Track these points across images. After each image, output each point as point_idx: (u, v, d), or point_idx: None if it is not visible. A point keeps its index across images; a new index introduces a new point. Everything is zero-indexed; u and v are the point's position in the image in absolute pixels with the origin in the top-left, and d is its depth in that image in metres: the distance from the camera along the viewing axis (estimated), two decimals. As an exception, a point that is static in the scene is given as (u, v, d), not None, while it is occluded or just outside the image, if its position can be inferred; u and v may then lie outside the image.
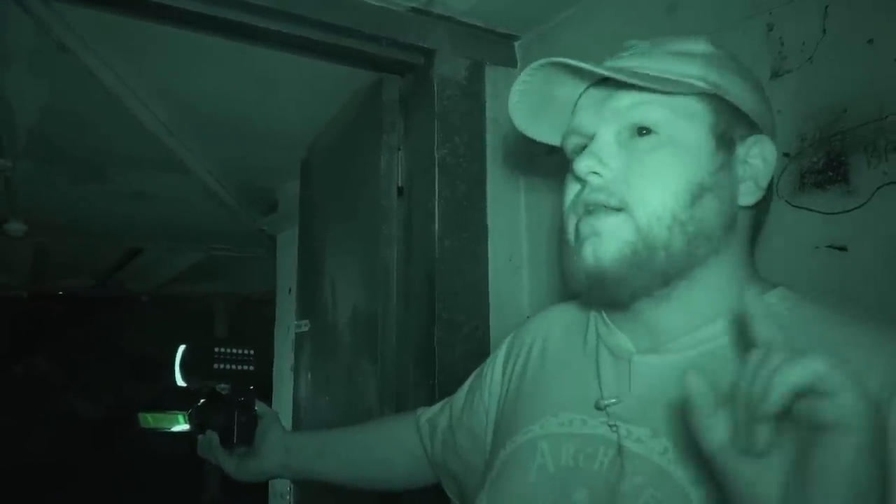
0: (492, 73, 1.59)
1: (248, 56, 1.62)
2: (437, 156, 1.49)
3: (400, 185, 1.61)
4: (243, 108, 2.06)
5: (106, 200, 3.09)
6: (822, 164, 0.99)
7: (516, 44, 1.62)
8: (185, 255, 4.59)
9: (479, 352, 1.47)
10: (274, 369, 2.94)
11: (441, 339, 1.43)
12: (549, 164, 1.52)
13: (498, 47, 1.60)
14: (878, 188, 0.93)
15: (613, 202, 0.68)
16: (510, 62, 1.61)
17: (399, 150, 1.62)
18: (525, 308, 1.54)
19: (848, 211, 0.96)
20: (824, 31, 1.00)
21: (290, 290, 2.81)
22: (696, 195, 0.67)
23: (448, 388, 1.34)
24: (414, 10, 1.47)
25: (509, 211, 1.56)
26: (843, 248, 0.96)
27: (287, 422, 2.38)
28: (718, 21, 1.13)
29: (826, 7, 1.00)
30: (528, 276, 1.56)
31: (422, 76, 1.56)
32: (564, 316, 0.88)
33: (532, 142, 1.55)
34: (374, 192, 1.63)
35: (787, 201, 1.02)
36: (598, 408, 0.70)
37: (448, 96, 1.52)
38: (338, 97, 1.86)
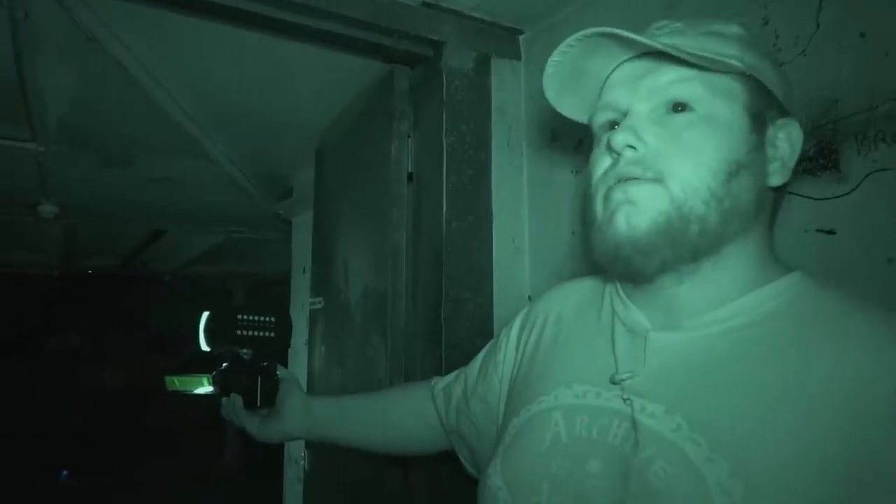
0: (497, 66, 1.57)
1: (267, 48, 1.60)
2: (444, 143, 1.47)
3: (410, 170, 1.59)
4: (261, 99, 2.04)
5: (132, 184, 3.08)
6: (813, 152, 0.97)
7: (521, 38, 1.60)
8: (205, 237, 4.59)
9: (484, 327, 1.46)
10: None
11: (447, 315, 1.42)
12: (550, 151, 1.50)
13: (503, 41, 1.58)
14: (866, 175, 0.91)
15: (649, 175, 0.64)
16: (515, 55, 1.59)
17: (409, 137, 1.60)
18: (526, 287, 1.53)
19: (837, 197, 0.94)
20: (818, 24, 0.98)
21: (304, 269, 2.80)
22: (733, 172, 0.63)
23: (454, 361, 1.34)
24: (425, 4, 1.45)
25: (513, 196, 1.55)
26: (831, 232, 0.95)
27: (301, 392, 2.39)
28: (716, 15, 1.11)
29: (820, 2, 0.98)
30: (530, 257, 1.55)
31: (431, 67, 1.54)
32: (579, 291, 0.85)
33: (535, 130, 1.55)
34: (384, 178, 1.62)
35: (779, 187, 1.01)
36: (612, 382, 0.68)
37: (456, 87, 1.50)
38: (350, 87, 1.84)
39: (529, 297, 1.52)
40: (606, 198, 0.67)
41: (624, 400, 0.66)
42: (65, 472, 5.86)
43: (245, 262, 5.81)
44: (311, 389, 2.04)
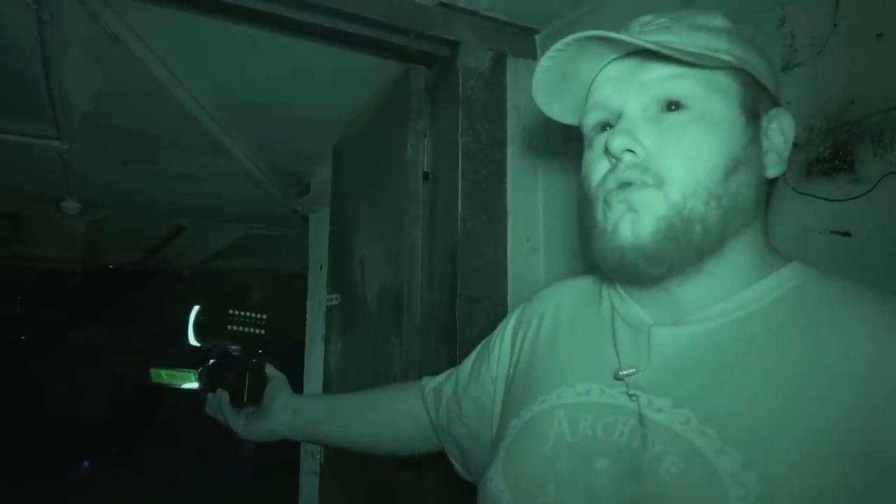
0: (513, 65, 1.58)
1: (286, 48, 1.62)
2: (460, 142, 1.48)
3: (426, 169, 1.61)
4: (280, 97, 2.07)
5: (153, 181, 3.12)
6: (828, 154, 0.97)
7: (537, 37, 1.60)
8: (224, 233, 4.64)
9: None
10: (306, 338, 2.97)
11: (462, 313, 1.44)
12: (565, 151, 1.51)
13: (519, 40, 1.59)
14: (882, 177, 0.91)
15: (649, 179, 0.63)
16: (531, 54, 1.60)
17: (425, 136, 1.62)
18: (541, 285, 1.52)
19: (853, 198, 0.94)
20: (835, 25, 0.98)
21: (321, 266, 2.83)
22: (731, 169, 0.63)
23: (468, 359, 1.35)
24: (441, 4, 1.46)
25: (527, 195, 1.56)
26: (846, 234, 0.94)
27: (318, 387, 2.42)
28: (732, 15, 1.11)
29: (837, 2, 0.98)
30: (545, 256, 1.56)
31: (447, 67, 1.55)
32: (574, 289, 0.84)
33: (550, 129, 1.55)
34: (401, 176, 1.64)
35: (793, 188, 1.01)
36: (616, 378, 0.66)
37: (472, 86, 1.52)
38: (368, 87, 1.86)
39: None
40: (606, 204, 0.66)
41: (629, 396, 0.65)
42: (86, 463, 5.97)
43: (264, 258, 5.87)
44: (328, 384, 2.07)
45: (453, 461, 0.97)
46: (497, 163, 1.53)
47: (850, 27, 0.96)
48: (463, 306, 1.44)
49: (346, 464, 1.97)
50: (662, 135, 0.64)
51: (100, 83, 1.94)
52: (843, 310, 0.60)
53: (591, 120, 0.71)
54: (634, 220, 0.63)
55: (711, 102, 0.64)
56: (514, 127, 1.56)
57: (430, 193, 1.59)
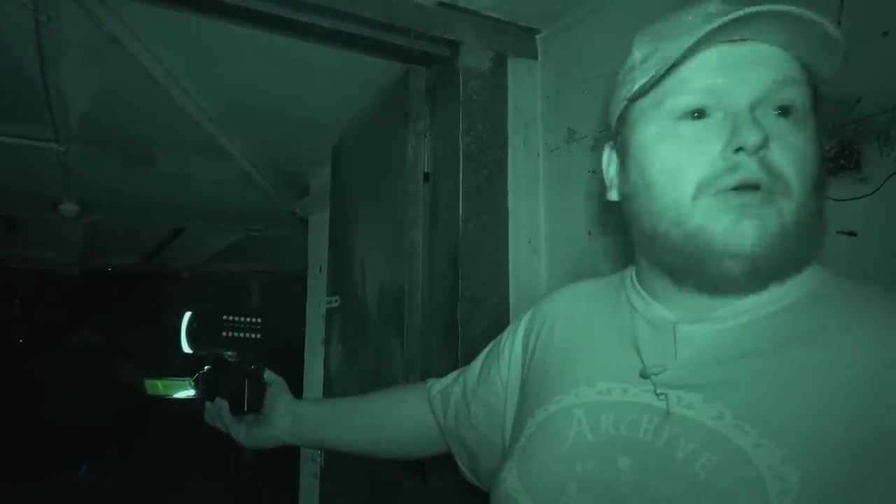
0: (514, 65, 1.57)
1: (284, 48, 1.61)
2: (461, 143, 1.47)
3: (426, 170, 1.60)
4: (279, 98, 2.06)
5: (151, 183, 3.11)
6: (834, 153, 0.96)
7: (538, 37, 1.59)
8: (223, 235, 4.63)
9: (500, 326, 1.45)
10: (305, 341, 2.96)
11: (463, 314, 1.43)
12: (567, 151, 1.50)
13: (520, 40, 1.58)
14: (889, 176, 0.90)
15: (779, 187, 0.58)
16: (531, 54, 1.59)
17: (425, 137, 1.61)
18: (542, 286, 1.53)
19: (859, 198, 0.93)
20: (839, 23, 0.97)
21: (320, 268, 2.81)
22: (821, 182, 0.62)
23: (470, 360, 1.33)
24: (441, 4, 1.45)
25: (529, 196, 1.55)
26: (852, 234, 0.94)
27: (318, 390, 2.41)
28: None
29: (842, 0, 0.97)
30: (546, 256, 1.54)
31: (448, 67, 1.54)
32: (587, 292, 0.83)
33: (551, 129, 1.54)
34: (401, 177, 1.63)
35: (798, 188, 1.00)
36: (643, 376, 0.65)
37: (472, 86, 1.51)
38: (367, 87, 1.85)
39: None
40: (717, 205, 0.59)
41: (657, 395, 0.63)
42: (84, 467, 5.95)
43: (263, 260, 5.85)
44: (328, 387, 2.05)
45: (461, 464, 0.96)
46: (498, 163, 1.52)
47: (856, 25, 0.95)
48: (464, 307, 1.43)
49: (346, 467, 1.95)
50: (777, 139, 0.59)
51: (97, 84, 1.93)
52: (869, 307, 0.60)
53: (680, 103, 0.62)
54: (757, 227, 0.58)
55: (808, 113, 0.62)
56: (514, 127, 1.55)
57: (431, 194, 1.58)
